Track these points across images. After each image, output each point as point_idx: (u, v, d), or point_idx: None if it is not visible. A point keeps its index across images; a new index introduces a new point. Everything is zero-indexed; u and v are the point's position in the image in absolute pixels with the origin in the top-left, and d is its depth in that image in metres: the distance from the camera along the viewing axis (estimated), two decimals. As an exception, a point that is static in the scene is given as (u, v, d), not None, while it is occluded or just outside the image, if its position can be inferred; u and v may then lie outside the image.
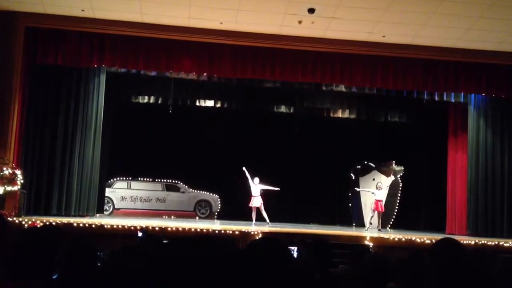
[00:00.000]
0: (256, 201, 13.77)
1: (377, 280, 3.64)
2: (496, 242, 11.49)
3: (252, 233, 10.87)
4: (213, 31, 12.09)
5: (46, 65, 12.34)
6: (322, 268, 3.65)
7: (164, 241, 4.48)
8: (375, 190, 14.30)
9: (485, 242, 11.49)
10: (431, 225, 15.16)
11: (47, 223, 9.31)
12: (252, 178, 13.92)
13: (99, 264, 3.09)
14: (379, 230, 13.89)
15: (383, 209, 14.22)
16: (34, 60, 12.14)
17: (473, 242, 11.25)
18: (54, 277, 2.82)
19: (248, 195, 14.02)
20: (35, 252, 2.69)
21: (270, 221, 13.59)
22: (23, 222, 10.35)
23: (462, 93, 13.87)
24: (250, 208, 13.89)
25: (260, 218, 13.72)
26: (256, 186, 13.86)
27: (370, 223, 14.31)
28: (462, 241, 2.94)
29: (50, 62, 12.14)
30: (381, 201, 14.22)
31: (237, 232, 10.89)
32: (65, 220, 11.04)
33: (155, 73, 13.35)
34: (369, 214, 14.86)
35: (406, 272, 3.49)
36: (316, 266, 3.60)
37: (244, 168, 13.85)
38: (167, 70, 12.96)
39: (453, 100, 14.08)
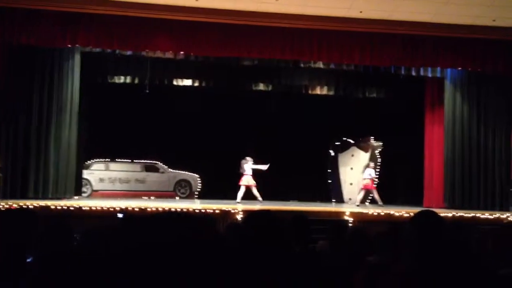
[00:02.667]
0: (250, 180, 13.89)
1: (357, 254, 3.66)
2: (473, 214, 11.70)
3: (233, 211, 10.89)
4: (189, 8, 11.89)
5: (20, 46, 12.07)
6: (302, 243, 3.66)
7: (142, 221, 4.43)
8: (370, 170, 14.64)
9: (462, 214, 11.68)
10: (409, 199, 15.35)
11: (22, 206, 9.20)
12: (244, 157, 14.04)
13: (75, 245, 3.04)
14: (357, 205, 14.08)
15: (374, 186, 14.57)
16: (7, 41, 11.85)
17: (450, 215, 11.43)
18: (29, 260, 2.76)
19: (229, 174, 14.05)
20: (7, 235, 2.63)
21: (248, 199, 13.68)
22: (0, 206, 10.19)
23: (439, 68, 13.96)
24: (238, 187, 13.93)
25: (248, 197, 13.82)
26: (248, 165, 13.97)
27: (350, 199, 14.47)
28: (439, 214, 2.95)
29: (23, 42, 11.87)
30: (373, 179, 14.61)
31: (217, 211, 10.89)
32: (42, 203, 10.90)
33: (130, 52, 13.16)
34: (348, 189, 15.05)
35: (385, 245, 3.51)
36: (296, 242, 3.60)
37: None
38: (143, 49, 12.78)
39: (430, 75, 14.17)
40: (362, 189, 14.68)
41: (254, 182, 13.99)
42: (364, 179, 14.75)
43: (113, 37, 12.12)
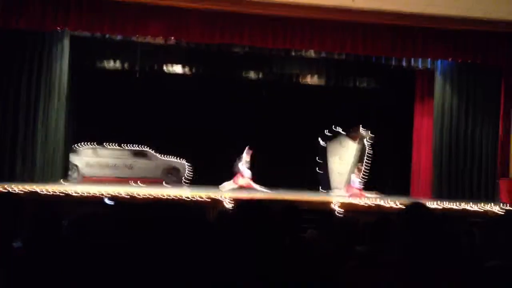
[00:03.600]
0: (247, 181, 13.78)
1: (346, 243, 3.68)
2: (462, 207, 11.77)
3: (222, 199, 10.89)
4: (181, -6, 11.80)
5: (8, 29, 11.90)
6: (292, 233, 3.67)
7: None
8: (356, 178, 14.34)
9: (450, 206, 11.77)
10: (396, 189, 15.42)
11: (7, 190, 9.13)
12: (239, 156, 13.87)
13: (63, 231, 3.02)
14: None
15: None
16: (-5, 24, 11.70)
17: (439, 207, 11.50)
18: (17, 245, 2.74)
19: (219, 161, 14.03)
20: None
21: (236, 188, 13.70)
22: (-14, 190, 10.10)
23: (429, 59, 14.01)
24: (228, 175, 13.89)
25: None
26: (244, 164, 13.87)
27: (338, 188, 14.46)
28: (427, 204, 2.97)
29: (13, 25, 11.71)
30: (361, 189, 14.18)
31: (207, 199, 10.89)
32: (29, 187, 10.83)
33: (121, 37, 13.05)
34: (337, 178, 15.06)
35: (374, 235, 3.53)
36: (286, 231, 3.61)
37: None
38: (133, 34, 12.70)
39: (420, 66, 14.22)
40: (348, 197, 14.29)
41: (250, 183, 13.82)
42: (351, 187, 14.28)
43: (104, 22, 12.01)
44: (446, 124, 14.16)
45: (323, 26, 12.64)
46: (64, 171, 14.02)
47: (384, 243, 3.22)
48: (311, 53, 13.71)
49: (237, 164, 13.92)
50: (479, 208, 11.63)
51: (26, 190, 10.35)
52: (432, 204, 11.28)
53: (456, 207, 11.68)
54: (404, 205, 2.90)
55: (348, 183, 14.70)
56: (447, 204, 11.85)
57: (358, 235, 3.77)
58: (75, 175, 15.22)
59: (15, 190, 10.08)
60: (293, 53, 13.81)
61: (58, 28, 12.22)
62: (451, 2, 11.87)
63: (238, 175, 13.85)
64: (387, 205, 11.49)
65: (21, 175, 12.28)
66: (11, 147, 12.32)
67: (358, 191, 14.08)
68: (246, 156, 13.95)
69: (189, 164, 16.31)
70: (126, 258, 2.34)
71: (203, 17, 12.24)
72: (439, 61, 14.11)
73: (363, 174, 15.02)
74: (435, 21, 12.61)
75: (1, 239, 2.68)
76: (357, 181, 14.39)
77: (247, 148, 14.02)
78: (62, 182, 13.12)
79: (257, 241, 2.50)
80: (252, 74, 15.55)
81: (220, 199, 10.90)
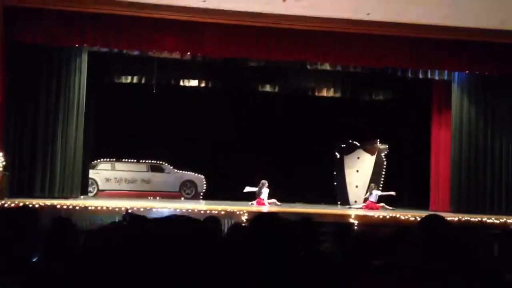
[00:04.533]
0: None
1: (362, 257, 3.64)
2: (479, 219, 11.61)
3: (238, 213, 10.88)
4: (196, 9, 11.90)
5: (27, 45, 12.10)
6: (307, 245, 3.64)
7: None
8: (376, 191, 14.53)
9: (468, 218, 11.61)
10: (414, 202, 15.27)
11: (21, 204, 9.22)
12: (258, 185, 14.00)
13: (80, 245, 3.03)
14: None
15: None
16: (14, 40, 11.91)
17: (456, 219, 11.36)
18: (34, 259, 2.76)
19: (234, 175, 14.06)
20: (8, 234, 2.62)
21: (251, 200, 13.81)
22: (5, 205, 10.22)
23: (446, 71, 13.90)
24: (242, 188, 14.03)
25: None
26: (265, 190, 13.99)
27: (355, 201, 14.40)
28: (446, 217, 2.93)
29: (30, 41, 11.93)
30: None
31: (222, 212, 10.88)
32: (48, 202, 10.93)
33: (137, 52, 13.19)
34: (353, 191, 14.98)
35: (391, 248, 3.49)
36: (301, 244, 3.59)
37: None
38: (150, 49, 12.81)
39: (437, 78, 14.11)
40: (363, 208, 14.41)
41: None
42: (370, 201, 14.47)
43: (120, 37, 12.16)
44: (464, 136, 13.99)
45: (338, 39, 12.65)
46: (83, 186, 14.12)
47: (400, 256, 3.19)
48: (327, 66, 13.70)
49: (261, 192, 13.94)
50: (498, 220, 11.46)
51: (43, 204, 10.44)
52: (450, 217, 11.14)
53: (474, 219, 11.52)
54: (421, 217, 2.87)
55: (367, 197, 14.65)
56: (465, 217, 11.69)
57: (374, 248, 3.73)
58: (94, 190, 15.36)
59: (32, 204, 10.20)
60: (308, 66, 13.82)
61: (76, 44, 12.40)
62: (467, 13, 11.79)
63: (261, 202, 13.87)
64: (404, 218, 11.37)
65: (40, 191, 12.39)
66: (30, 163, 12.43)
67: (374, 205, 14.09)
68: (266, 191, 14.00)
69: (205, 177, 16.35)
70: (141, 272, 2.35)
71: (219, 31, 12.33)
72: (456, 73, 14.00)
73: (380, 188, 14.93)
74: (451, 32, 12.55)
75: (18, 253, 2.71)
76: (375, 195, 14.35)
77: (265, 183, 14.03)
78: (81, 198, 13.22)
79: (271, 253, 2.49)
80: (267, 88, 15.57)
81: (235, 212, 10.89)
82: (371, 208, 13.96)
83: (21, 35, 11.82)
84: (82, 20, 11.95)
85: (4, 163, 11.10)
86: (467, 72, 13.67)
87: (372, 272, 2.99)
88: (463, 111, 14.06)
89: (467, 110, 14.04)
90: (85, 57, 13.20)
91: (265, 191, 13.99)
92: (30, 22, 11.79)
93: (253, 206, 13.39)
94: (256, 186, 14.01)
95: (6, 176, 11.29)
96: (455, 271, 2.55)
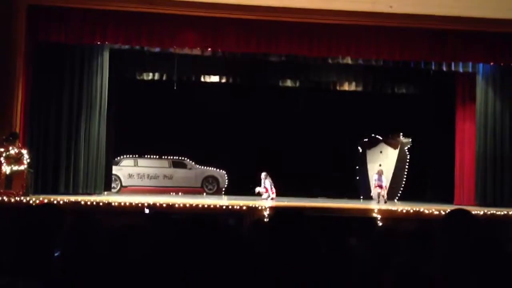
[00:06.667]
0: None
1: (385, 253, 3.59)
2: (505, 212, 11.41)
3: (260, 208, 10.86)
4: (216, 4, 11.88)
5: (49, 43, 12.25)
6: (329, 241, 3.61)
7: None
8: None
9: (494, 212, 11.42)
10: (439, 196, 15.10)
11: (45, 201, 9.34)
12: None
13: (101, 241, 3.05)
14: (385, 202, 13.93)
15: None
16: (37, 39, 12.06)
17: (481, 213, 11.17)
18: (56, 254, 2.78)
19: (256, 170, 14.15)
20: (33, 230, 2.64)
21: (277, 195, 13.88)
22: (31, 201, 10.37)
23: (470, 63, 13.66)
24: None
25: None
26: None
27: (383, 196, 14.28)
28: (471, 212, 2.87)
29: (53, 39, 12.07)
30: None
31: (244, 207, 10.88)
32: (72, 198, 11.06)
33: (158, 49, 13.25)
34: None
35: (415, 244, 3.43)
36: (323, 240, 3.55)
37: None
38: (171, 46, 12.86)
39: (461, 70, 13.87)
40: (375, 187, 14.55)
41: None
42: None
43: (141, 34, 12.22)
44: (489, 128, 13.75)
45: (359, 32, 12.51)
46: (107, 183, 14.26)
47: (425, 253, 3.13)
48: (348, 60, 13.56)
49: (265, 186, 14.15)
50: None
51: (67, 201, 10.57)
52: (475, 211, 10.95)
53: (498, 213, 11.31)
54: (446, 212, 2.81)
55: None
56: (490, 210, 11.49)
57: (397, 245, 3.67)
58: (117, 186, 15.52)
59: (56, 200, 10.33)
60: (330, 61, 13.71)
61: (98, 42, 12.50)
62: (491, 3, 11.57)
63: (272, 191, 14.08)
64: (427, 212, 11.19)
65: (64, 186, 12.56)
66: (55, 160, 12.60)
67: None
68: (268, 181, 14.23)
69: (227, 173, 16.39)
70: (163, 270, 2.34)
71: (239, 27, 12.31)
72: (480, 64, 13.75)
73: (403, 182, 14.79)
74: (474, 23, 12.31)
75: (41, 249, 2.72)
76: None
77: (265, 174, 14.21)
78: (105, 194, 13.35)
79: (293, 249, 2.46)
80: (289, 83, 15.51)
81: (257, 207, 10.87)
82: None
83: (44, 33, 11.96)
84: (104, 18, 12.03)
85: (28, 160, 11.26)
86: (492, 64, 13.41)
87: (395, 269, 2.94)
88: (488, 104, 13.81)
89: (492, 103, 13.79)
90: (106, 55, 13.31)
91: (268, 182, 14.11)
92: (53, 20, 11.92)
93: (269, 199, 13.73)
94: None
95: (31, 173, 11.46)
96: (482, 267, 2.49)
